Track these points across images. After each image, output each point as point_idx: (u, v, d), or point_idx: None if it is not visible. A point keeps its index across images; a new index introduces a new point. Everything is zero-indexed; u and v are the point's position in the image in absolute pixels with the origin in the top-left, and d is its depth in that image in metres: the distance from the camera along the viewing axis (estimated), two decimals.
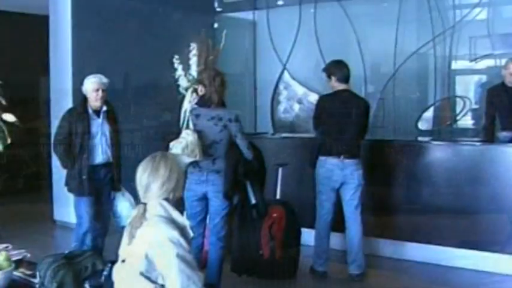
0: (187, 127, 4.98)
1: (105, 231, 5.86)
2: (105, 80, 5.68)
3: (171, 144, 4.87)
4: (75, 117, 5.64)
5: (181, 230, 3.10)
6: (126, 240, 3.15)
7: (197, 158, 4.80)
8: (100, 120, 5.70)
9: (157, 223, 3.06)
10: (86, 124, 5.61)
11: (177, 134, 5.13)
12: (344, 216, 5.73)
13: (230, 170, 4.90)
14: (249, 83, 10.35)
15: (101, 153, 5.70)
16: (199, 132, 4.85)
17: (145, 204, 3.16)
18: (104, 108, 5.70)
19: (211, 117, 4.90)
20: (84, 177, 5.60)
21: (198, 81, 5.22)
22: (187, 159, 4.80)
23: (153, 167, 3.16)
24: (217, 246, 5.04)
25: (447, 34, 8.52)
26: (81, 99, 5.78)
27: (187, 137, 4.79)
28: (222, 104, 4.99)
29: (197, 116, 4.96)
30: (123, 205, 5.75)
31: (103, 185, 5.79)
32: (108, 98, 5.77)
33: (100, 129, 5.69)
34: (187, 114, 5.08)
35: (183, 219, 3.17)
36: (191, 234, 3.19)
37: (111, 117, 5.79)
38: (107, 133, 5.72)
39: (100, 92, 5.61)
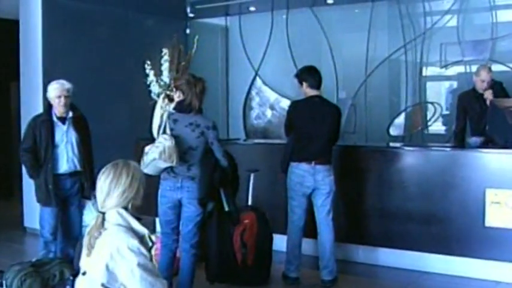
0: (164, 132, 4.91)
1: (75, 241, 5.76)
2: (68, 85, 5.48)
3: (147, 148, 4.81)
4: (39, 125, 5.45)
5: (141, 239, 3.08)
6: (85, 251, 3.11)
7: (174, 164, 4.76)
8: (65, 127, 5.51)
9: (117, 232, 3.03)
10: (50, 131, 5.43)
11: (151, 139, 5.08)
12: (316, 222, 5.72)
13: (205, 176, 4.87)
14: (221, 89, 10.34)
15: (66, 161, 5.51)
16: (176, 138, 4.81)
17: (103, 213, 3.12)
18: (70, 114, 5.51)
19: (189, 123, 4.86)
20: (50, 186, 5.42)
21: (175, 86, 5.17)
22: (163, 165, 4.75)
23: (115, 175, 3.13)
24: (189, 253, 4.99)
25: (418, 41, 8.62)
26: (45, 106, 5.65)
27: (165, 142, 4.73)
28: (200, 111, 4.95)
29: (175, 121, 4.91)
30: (92, 214, 5.63)
31: (71, 195, 5.63)
32: (78, 104, 5.64)
33: (65, 136, 5.49)
34: (165, 119, 5.01)
35: (142, 228, 3.15)
36: (149, 243, 3.16)
37: (79, 123, 5.60)
38: (73, 140, 5.53)
39: (63, 99, 5.42)
